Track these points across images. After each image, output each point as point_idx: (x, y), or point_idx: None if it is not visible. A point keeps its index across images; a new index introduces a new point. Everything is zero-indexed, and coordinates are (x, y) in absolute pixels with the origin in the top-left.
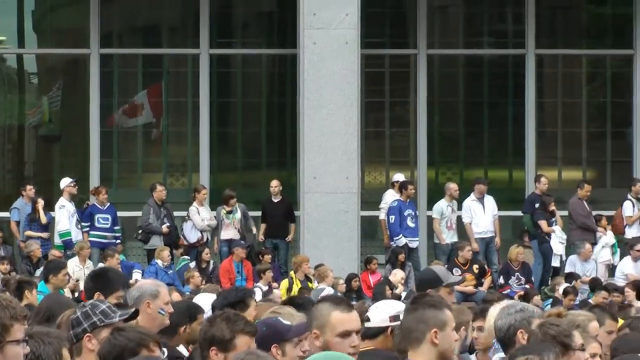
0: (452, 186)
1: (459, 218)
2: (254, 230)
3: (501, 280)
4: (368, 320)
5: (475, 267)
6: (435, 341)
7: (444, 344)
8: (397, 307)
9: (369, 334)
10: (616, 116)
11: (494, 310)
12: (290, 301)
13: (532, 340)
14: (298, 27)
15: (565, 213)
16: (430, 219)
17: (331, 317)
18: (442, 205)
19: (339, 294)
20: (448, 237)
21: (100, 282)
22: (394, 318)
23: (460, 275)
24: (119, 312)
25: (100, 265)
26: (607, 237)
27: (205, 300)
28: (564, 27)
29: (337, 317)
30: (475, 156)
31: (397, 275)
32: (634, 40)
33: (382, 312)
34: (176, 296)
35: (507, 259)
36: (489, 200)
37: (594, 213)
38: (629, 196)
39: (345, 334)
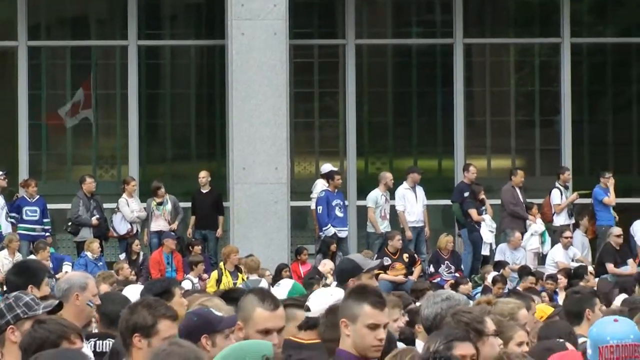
0: (388, 175)
1: (391, 207)
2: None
3: (431, 269)
4: (308, 310)
5: (405, 256)
6: (347, 332)
7: (356, 337)
8: (336, 295)
9: (310, 324)
10: (544, 104)
11: None
12: (226, 294)
13: (445, 328)
14: (226, 18)
15: (495, 201)
16: (360, 209)
17: (255, 312)
18: (376, 194)
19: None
20: (383, 226)
21: (27, 275)
22: None
23: (390, 264)
24: (42, 304)
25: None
26: (537, 226)
27: (134, 292)
28: (492, 16)
29: (260, 313)
30: (405, 146)
31: (326, 266)
32: (561, 29)
33: (321, 302)
34: (104, 288)
35: (436, 248)
36: (420, 189)
37: (528, 201)
38: (557, 184)
39: (266, 332)
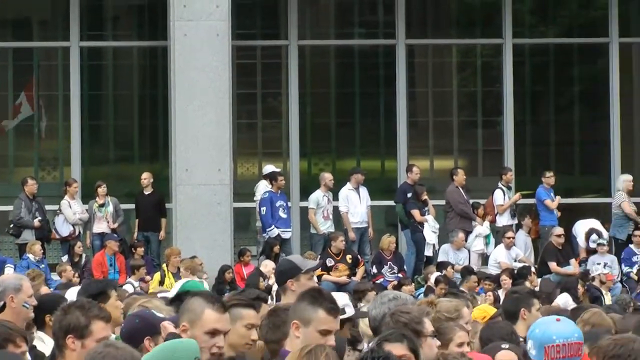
0: (327, 176)
1: (335, 208)
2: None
3: (374, 270)
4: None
5: (348, 257)
6: (297, 334)
7: (306, 341)
8: (342, 300)
9: None
10: (487, 105)
11: None
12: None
13: (384, 328)
14: (168, 20)
15: (437, 202)
16: (303, 210)
17: (204, 314)
18: (317, 195)
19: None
20: (325, 227)
21: None
22: (340, 312)
23: (333, 265)
24: None
25: None
26: (482, 228)
27: (75, 294)
28: (434, 17)
29: (209, 315)
30: (348, 146)
31: (268, 266)
32: (503, 30)
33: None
34: (45, 289)
35: (379, 249)
36: (364, 190)
37: (471, 201)
38: (500, 185)
39: (214, 333)
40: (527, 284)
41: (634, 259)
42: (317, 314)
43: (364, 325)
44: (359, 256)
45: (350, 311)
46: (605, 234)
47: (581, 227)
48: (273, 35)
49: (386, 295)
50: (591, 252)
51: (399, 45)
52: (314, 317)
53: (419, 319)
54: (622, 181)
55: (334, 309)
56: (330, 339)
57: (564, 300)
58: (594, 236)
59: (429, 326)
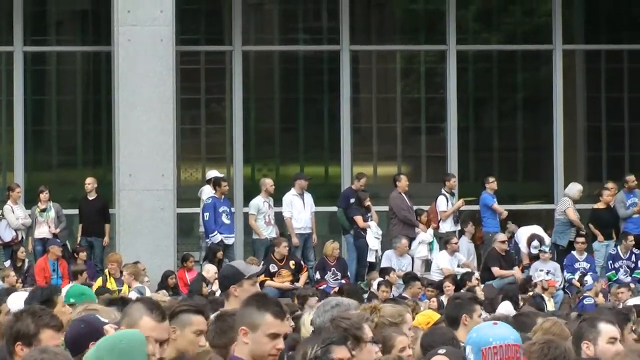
0: (268, 181)
1: (277, 214)
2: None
3: (317, 276)
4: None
5: (291, 263)
6: (245, 340)
7: (255, 346)
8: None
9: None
10: (430, 111)
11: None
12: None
13: (324, 334)
14: (113, 25)
15: (380, 208)
16: (246, 215)
17: (141, 320)
18: (258, 201)
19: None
20: (267, 232)
21: None
22: None
23: (276, 270)
24: None
25: None
26: (425, 235)
27: (19, 299)
28: (378, 23)
29: (146, 322)
30: (291, 152)
31: (210, 272)
32: (447, 36)
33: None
34: None
35: (323, 255)
36: (308, 196)
37: (414, 208)
38: (443, 191)
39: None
40: (478, 289)
41: (576, 265)
42: (264, 318)
43: (305, 331)
44: (302, 262)
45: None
46: (547, 240)
47: (523, 233)
48: (217, 40)
49: (329, 302)
50: (533, 258)
51: (343, 51)
52: (261, 322)
53: (359, 325)
54: (576, 190)
55: (281, 312)
56: (279, 342)
57: (505, 307)
58: (535, 242)
59: (368, 332)
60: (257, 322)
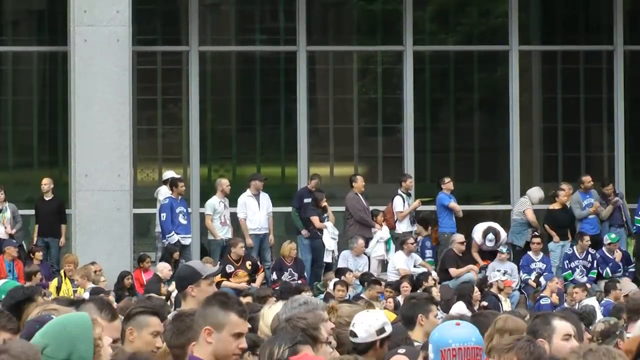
0: (224, 182)
1: (233, 214)
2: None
3: (274, 276)
4: (354, 335)
5: (248, 263)
6: (209, 340)
7: (219, 345)
8: (381, 319)
9: (359, 349)
10: (387, 112)
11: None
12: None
13: (283, 333)
14: (69, 25)
15: (337, 209)
16: (203, 216)
17: None
18: (214, 201)
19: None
20: (222, 233)
21: None
22: (380, 331)
23: (233, 271)
24: None
25: None
26: (382, 232)
27: None
28: (335, 24)
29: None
30: (248, 153)
31: (164, 271)
32: (403, 37)
33: (367, 327)
34: None
35: (280, 255)
36: (265, 196)
37: (370, 208)
38: (400, 191)
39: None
40: (434, 290)
41: (532, 266)
42: (229, 317)
43: (264, 327)
44: (258, 262)
45: (389, 329)
46: (503, 234)
47: (479, 228)
48: (174, 41)
49: (296, 300)
50: (487, 252)
51: (300, 52)
52: (227, 321)
53: (316, 325)
54: (537, 198)
55: (244, 312)
56: (243, 342)
57: (459, 307)
58: (490, 235)
59: (325, 332)
60: (223, 322)
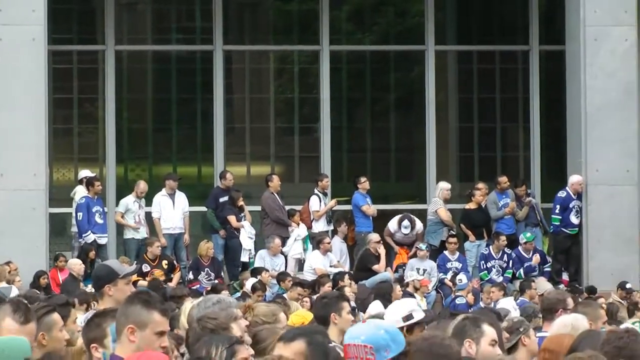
0: (142, 185)
1: (148, 214)
2: None
3: (190, 276)
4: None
5: (164, 262)
6: (132, 338)
7: (142, 344)
8: (409, 306)
9: None
10: (304, 111)
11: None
12: None
13: (191, 334)
14: None
15: (254, 208)
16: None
17: (4, 322)
18: (128, 200)
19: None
20: (138, 232)
21: None
22: (407, 317)
23: (149, 270)
24: None
25: None
26: (300, 230)
27: None
28: (252, 23)
29: (8, 324)
30: (164, 152)
31: (75, 267)
32: (320, 36)
33: (394, 314)
34: None
35: (197, 255)
36: (180, 196)
37: (287, 207)
38: (316, 191)
39: None
40: (348, 289)
41: (448, 265)
42: (152, 316)
43: (184, 320)
44: (175, 262)
45: (419, 315)
46: (419, 224)
47: (395, 217)
48: (89, 40)
49: (210, 299)
50: (402, 242)
51: (216, 51)
52: (150, 320)
53: (226, 325)
54: (440, 189)
55: (166, 310)
56: (165, 340)
57: (377, 306)
58: (405, 222)
59: (236, 332)
60: (146, 320)
